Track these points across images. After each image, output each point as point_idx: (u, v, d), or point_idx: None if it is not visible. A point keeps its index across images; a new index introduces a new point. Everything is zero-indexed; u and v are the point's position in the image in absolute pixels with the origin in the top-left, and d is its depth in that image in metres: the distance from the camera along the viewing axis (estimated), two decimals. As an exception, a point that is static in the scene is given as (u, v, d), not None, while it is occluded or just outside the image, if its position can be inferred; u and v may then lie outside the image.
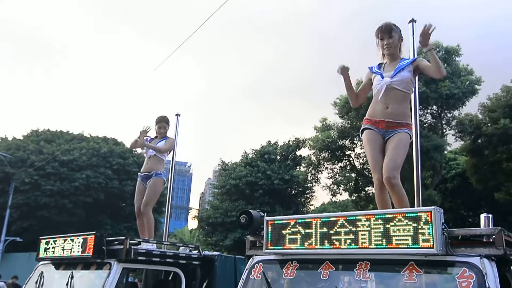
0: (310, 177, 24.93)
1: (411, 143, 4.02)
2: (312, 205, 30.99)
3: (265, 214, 3.60)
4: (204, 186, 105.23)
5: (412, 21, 4.63)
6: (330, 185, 23.51)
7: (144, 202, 5.79)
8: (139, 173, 6.06)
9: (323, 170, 24.01)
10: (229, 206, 27.19)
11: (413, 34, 4.55)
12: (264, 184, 26.61)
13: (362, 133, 3.84)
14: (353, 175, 23.17)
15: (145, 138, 6.14)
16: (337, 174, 23.39)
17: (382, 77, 3.74)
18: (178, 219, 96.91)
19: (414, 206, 3.95)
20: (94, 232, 4.74)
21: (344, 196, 26.20)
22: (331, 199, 31.20)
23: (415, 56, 4.61)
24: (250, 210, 3.53)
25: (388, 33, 3.78)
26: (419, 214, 2.60)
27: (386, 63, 3.90)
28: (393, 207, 3.55)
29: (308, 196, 29.39)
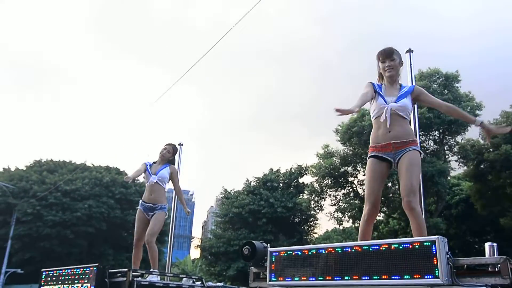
0: (313, 204, 24.74)
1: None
2: (315, 233, 30.70)
3: (268, 244, 3.58)
4: (206, 215, 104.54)
5: (409, 51, 4.76)
6: (334, 212, 23.33)
7: (151, 233, 5.65)
8: (141, 201, 5.89)
9: (326, 197, 23.87)
10: (232, 235, 26.94)
11: (410, 64, 4.67)
12: (267, 212, 26.43)
13: (368, 160, 3.83)
14: (357, 201, 23.00)
15: (145, 164, 6.13)
16: (340, 201, 23.23)
17: (385, 101, 3.76)
18: (181, 248, 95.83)
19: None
20: (96, 264, 4.71)
21: (347, 222, 25.93)
22: (336, 227, 30.95)
23: (413, 84, 4.71)
24: (253, 241, 3.51)
25: (389, 56, 3.84)
26: (423, 243, 2.59)
27: (384, 85, 3.92)
28: (406, 234, 3.54)
29: (311, 223, 29.13)
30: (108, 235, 28.93)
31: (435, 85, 20.64)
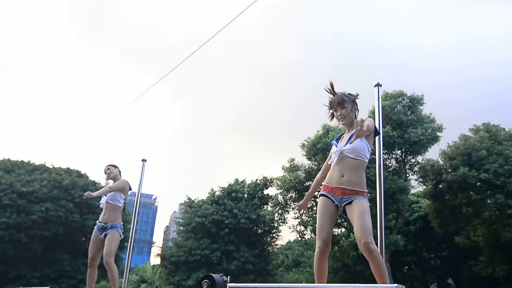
0: (277, 217, 24.85)
1: (373, 199, 4.11)
2: (277, 244, 30.77)
3: (228, 278, 3.53)
4: (169, 220, 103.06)
5: (378, 85, 4.84)
6: (297, 225, 23.49)
7: (107, 253, 5.63)
8: (98, 222, 5.91)
9: (289, 210, 24.01)
10: (193, 244, 26.65)
11: (378, 98, 4.76)
12: (230, 223, 26.32)
13: (319, 198, 3.86)
14: (319, 216, 23.25)
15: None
16: (303, 215, 23.41)
17: (336, 146, 3.84)
18: (141, 253, 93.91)
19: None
20: (48, 287, 4.52)
21: (309, 236, 26.14)
22: (297, 238, 31.15)
23: (380, 118, 4.80)
24: (213, 275, 3.46)
25: (340, 105, 3.83)
26: (381, 291, 2.61)
27: (345, 132, 4.00)
28: (366, 276, 3.55)
29: (274, 235, 29.21)
30: (65, 240, 27.98)
31: (399, 106, 21.22)
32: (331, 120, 4.04)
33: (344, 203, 3.65)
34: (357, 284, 2.77)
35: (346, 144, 3.77)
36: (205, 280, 3.43)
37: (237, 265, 25.33)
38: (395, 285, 2.58)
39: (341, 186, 3.67)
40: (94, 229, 5.90)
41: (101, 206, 5.93)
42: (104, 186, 6.29)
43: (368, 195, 3.74)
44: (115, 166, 6.17)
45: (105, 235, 5.74)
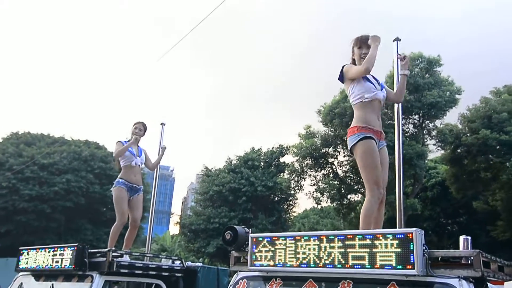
0: (293, 184, 24.99)
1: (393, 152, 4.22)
2: (294, 212, 31.10)
3: (250, 230, 3.63)
4: (186, 191, 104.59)
5: (397, 39, 4.73)
6: (313, 192, 23.63)
7: (139, 216, 5.81)
8: (123, 180, 5.78)
9: (306, 177, 24.12)
10: (211, 213, 27.10)
11: (397, 53, 4.67)
12: (247, 191, 26.62)
13: (361, 140, 3.58)
14: (336, 182, 23.32)
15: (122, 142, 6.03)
16: (320, 182, 23.51)
17: (375, 86, 3.80)
18: (160, 223, 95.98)
19: (396, 215, 4.05)
20: (76, 244, 4.70)
21: (326, 203, 26.32)
22: (314, 206, 31.42)
23: (398, 72, 4.81)
24: (235, 226, 3.56)
25: (367, 43, 3.83)
26: (401, 235, 2.65)
27: None
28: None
29: (291, 203, 29.48)
30: (86, 210, 28.71)
31: (417, 69, 20.81)
32: (352, 57, 4.01)
33: (379, 148, 3.71)
34: (375, 230, 2.83)
35: (382, 89, 3.88)
36: (228, 231, 3.52)
37: (255, 232, 25.73)
38: (414, 229, 2.63)
39: (380, 130, 3.75)
40: (123, 189, 5.71)
41: (129, 165, 5.81)
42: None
43: None
44: (145, 128, 6.13)
45: (134, 197, 5.82)
